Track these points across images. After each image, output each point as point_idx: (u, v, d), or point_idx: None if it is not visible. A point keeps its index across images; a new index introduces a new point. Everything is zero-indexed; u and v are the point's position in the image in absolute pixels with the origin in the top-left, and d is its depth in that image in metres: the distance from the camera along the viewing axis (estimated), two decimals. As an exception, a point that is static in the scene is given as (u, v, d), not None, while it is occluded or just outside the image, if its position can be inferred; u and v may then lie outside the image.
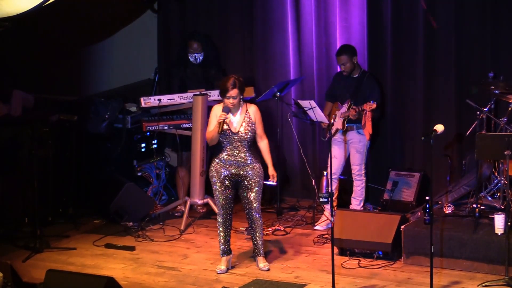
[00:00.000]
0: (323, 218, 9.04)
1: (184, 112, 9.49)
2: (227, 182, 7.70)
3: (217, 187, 7.73)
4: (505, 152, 7.37)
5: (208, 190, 9.70)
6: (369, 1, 9.44)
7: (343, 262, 7.95)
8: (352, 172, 9.00)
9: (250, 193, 7.70)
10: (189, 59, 9.63)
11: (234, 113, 7.66)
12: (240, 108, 7.67)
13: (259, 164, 7.74)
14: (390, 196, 9.17)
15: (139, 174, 10.07)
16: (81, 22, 10.14)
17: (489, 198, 8.30)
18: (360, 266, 7.87)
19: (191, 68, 9.66)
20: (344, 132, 8.88)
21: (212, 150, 7.97)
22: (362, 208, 8.96)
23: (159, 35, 10.81)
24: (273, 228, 8.97)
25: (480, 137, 7.66)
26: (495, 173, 8.33)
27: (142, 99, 9.37)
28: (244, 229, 8.93)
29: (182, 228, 9.05)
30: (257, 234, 7.81)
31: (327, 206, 8.66)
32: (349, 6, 9.55)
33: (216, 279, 7.67)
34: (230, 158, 7.66)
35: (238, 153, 7.66)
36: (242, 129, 7.62)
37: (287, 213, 9.57)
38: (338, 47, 9.28)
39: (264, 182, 7.86)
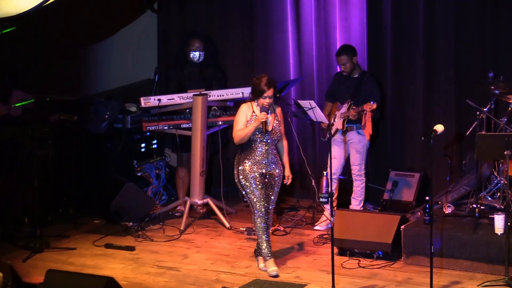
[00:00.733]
0: (323, 218, 9.03)
1: (184, 112, 9.48)
2: (260, 182, 7.60)
3: (253, 189, 7.60)
4: (505, 152, 7.37)
5: (208, 190, 9.74)
6: (369, 1, 9.44)
7: (343, 262, 7.95)
8: (352, 172, 9.00)
9: (271, 192, 7.64)
10: (188, 58, 9.62)
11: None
12: (271, 108, 7.66)
13: (282, 165, 7.73)
14: (390, 196, 9.17)
15: (139, 174, 10.07)
16: (81, 22, 10.14)
17: (489, 198, 8.30)
18: (360, 266, 7.87)
19: (189, 69, 9.66)
20: (344, 132, 8.88)
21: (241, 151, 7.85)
22: (362, 208, 8.97)
23: (159, 35, 10.82)
24: (273, 228, 8.97)
25: (480, 137, 7.66)
26: (495, 173, 8.33)
27: (142, 99, 9.37)
28: (244, 229, 8.94)
29: (182, 228, 9.05)
30: (267, 235, 7.70)
31: (327, 206, 8.66)
32: (349, 6, 9.55)
33: (216, 279, 7.67)
34: (263, 157, 7.60)
35: (270, 153, 7.62)
36: (274, 129, 7.61)
37: (287, 213, 9.58)
38: (338, 47, 9.29)
39: None
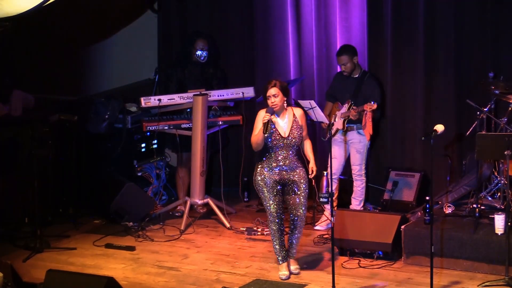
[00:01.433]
0: (323, 218, 9.03)
1: (184, 112, 9.48)
2: (277, 188, 7.53)
3: (267, 194, 7.52)
4: (505, 152, 7.36)
5: (208, 190, 9.74)
6: (369, 1, 9.44)
7: (343, 262, 7.95)
8: (352, 172, 9.00)
9: (297, 198, 7.53)
10: (192, 58, 9.61)
11: (281, 117, 7.52)
12: (287, 112, 7.52)
13: (305, 169, 7.58)
14: (390, 196, 9.17)
15: (139, 174, 10.07)
16: (81, 22, 10.14)
17: (489, 198, 8.30)
18: (360, 266, 7.87)
19: (190, 68, 9.66)
20: (344, 132, 8.88)
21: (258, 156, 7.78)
22: (362, 208, 8.96)
23: (159, 35, 10.82)
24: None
25: (480, 137, 7.66)
26: (495, 173, 8.33)
27: (142, 99, 9.37)
28: (245, 229, 8.94)
29: (182, 228, 9.05)
30: (296, 236, 7.65)
31: (327, 206, 8.66)
32: (349, 6, 9.55)
33: (216, 279, 7.67)
34: (279, 164, 7.49)
35: (287, 158, 7.48)
36: (291, 134, 7.46)
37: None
38: (338, 47, 9.29)
39: None
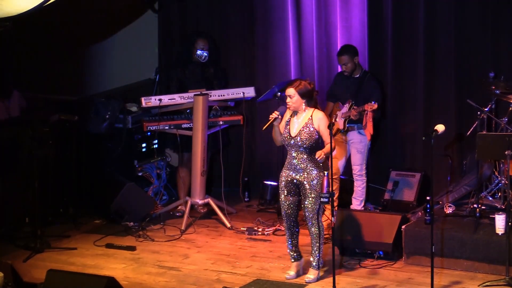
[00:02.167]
0: (324, 218, 9.02)
1: (185, 112, 9.48)
2: (288, 188, 7.49)
3: (280, 192, 7.53)
4: (506, 152, 7.36)
5: (209, 190, 9.73)
6: (369, 1, 9.44)
7: (344, 262, 7.95)
8: (353, 172, 9.00)
9: (304, 201, 7.45)
10: (192, 58, 9.61)
11: (297, 116, 7.45)
12: (304, 113, 7.44)
13: (317, 171, 7.39)
14: (390, 196, 9.17)
15: (139, 174, 10.07)
16: (82, 22, 10.14)
17: (490, 198, 8.30)
18: (361, 266, 7.87)
19: (190, 68, 9.65)
20: (345, 132, 8.88)
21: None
22: (362, 208, 8.96)
23: (159, 35, 10.82)
24: (274, 228, 8.97)
25: (481, 137, 7.66)
26: (496, 173, 8.34)
27: (142, 99, 9.37)
28: (245, 229, 8.94)
29: (182, 228, 9.05)
30: (312, 245, 7.51)
31: (328, 206, 8.65)
32: (349, 6, 9.55)
33: (217, 279, 7.67)
34: (289, 162, 7.47)
35: (295, 158, 7.41)
36: (299, 135, 7.37)
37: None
38: (338, 47, 9.29)
39: None
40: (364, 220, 8.13)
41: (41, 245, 8.40)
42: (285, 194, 7.50)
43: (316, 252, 7.50)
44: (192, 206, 9.41)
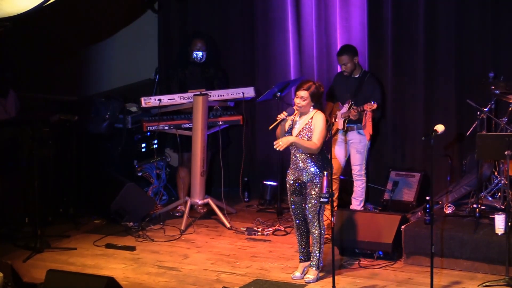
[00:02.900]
0: (323, 218, 9.02)
1: (185, 112, 9.48)
2: (293, 188, 7.50)
3: (287, 192, 7.56)
4: (506, 152, 7.37)
5: (208, 190, 9.73)
6: (369, 1, 9.44)
7: (343, 262, 7.95)
8: (353, 172, 9.00)
9: (306, 202, 7.49)
10: (190, 58, 9.62)
11: (301, 117, 7.47)
12: (308, 114, 7.44)
13: (318, 170, 7.36)
14: (390, 196, 9.17)
15: (139, 174, 10.07)
16: (82, 22, 10.14)
17: (490, 198, 8.30)
18: (361, 266, 7.87)
19: (190, 69, 9.66)
20: (345, 132, 8.88)
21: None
22: (362, 208, 8.96)
23: (159, 35, 10.82)
24: (273, 228, 8.97)
25: (481, 137, 7.66)
26: (496, 173, 8.33)
27: (142, 99, 9.37)
28: (245, 229, 8.94)
29: (182, 228, 9.05)
30: (313, 246, 7.52)
31: (328, 206, 8.65)
32: (349, 6, 9.55)
33: (217, 279, 7.67)
34: (292, 162, 7.48)
35: (296, 158, 7.43)
36: (299, 135, 7.37)
37: (287, 213, 9.56)
38: (338, 47, 9.29)
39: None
40: (363, 220, 8.13)
41: (41, 245, 8.39)
42: (291, 193, 7.53)
43: (316, 252, 7.50)
44: (191, 206, 9.41)
